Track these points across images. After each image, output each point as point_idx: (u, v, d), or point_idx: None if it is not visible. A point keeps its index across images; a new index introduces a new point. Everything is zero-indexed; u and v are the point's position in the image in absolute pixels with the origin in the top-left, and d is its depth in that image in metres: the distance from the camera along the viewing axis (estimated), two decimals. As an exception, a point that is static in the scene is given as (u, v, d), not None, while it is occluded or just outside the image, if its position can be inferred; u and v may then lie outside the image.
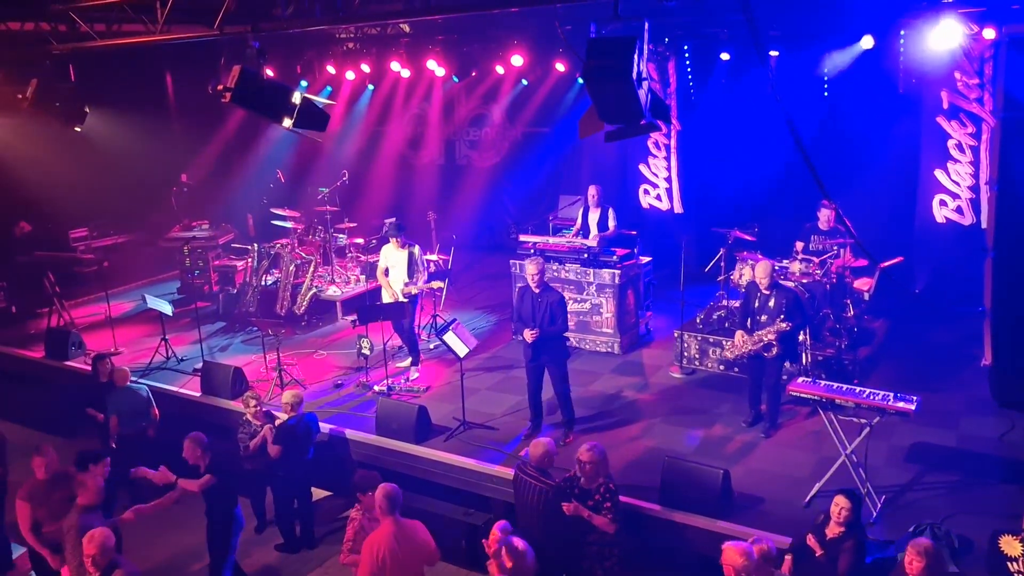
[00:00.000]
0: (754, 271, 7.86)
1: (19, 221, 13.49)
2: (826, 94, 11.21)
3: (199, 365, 9.66)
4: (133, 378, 8.48)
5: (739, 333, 7.80)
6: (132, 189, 13.89)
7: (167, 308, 10.17)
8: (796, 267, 9.06)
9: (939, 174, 10.74)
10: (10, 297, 12.39)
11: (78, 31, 8.59)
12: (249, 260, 12.24)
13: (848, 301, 9.02)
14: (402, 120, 15.36)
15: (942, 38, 9.31)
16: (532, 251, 10.09)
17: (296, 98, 7.01)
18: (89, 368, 8.98)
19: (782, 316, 7.47)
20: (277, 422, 7.82)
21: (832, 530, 5.42)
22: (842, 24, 10.47)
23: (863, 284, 9.39)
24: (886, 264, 8.91)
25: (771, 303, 7.56)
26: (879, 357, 9.26)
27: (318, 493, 8.27)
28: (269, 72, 12.24)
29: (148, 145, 13.97)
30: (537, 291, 7.54)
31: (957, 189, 10.64)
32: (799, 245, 9.39)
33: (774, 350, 7.51)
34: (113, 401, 8.20)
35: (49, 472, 6.49)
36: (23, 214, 13.43)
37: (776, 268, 8.31)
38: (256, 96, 6.86)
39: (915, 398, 6.50)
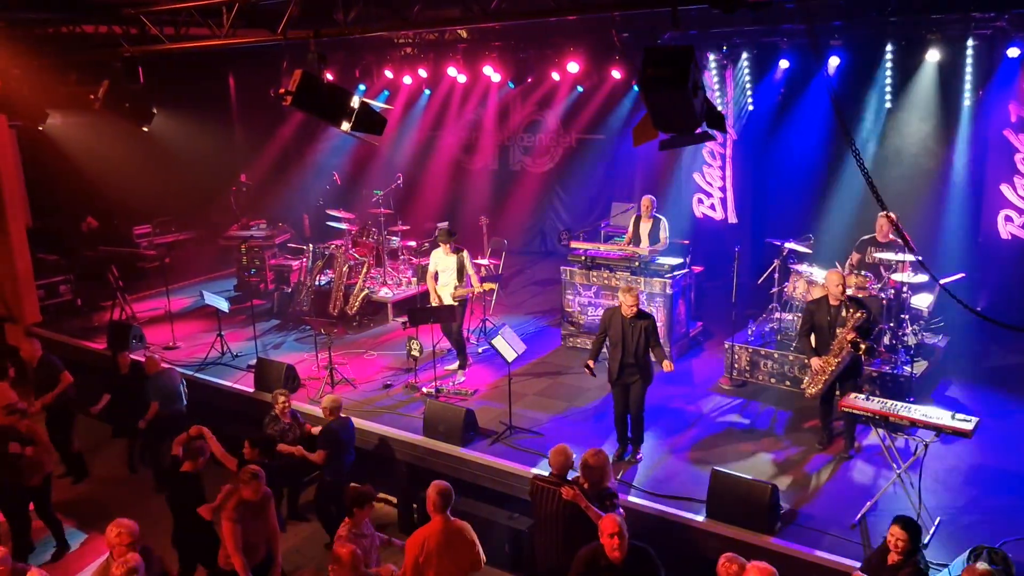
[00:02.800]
0: (825, 281, 7.61)
1: (86, 217, 14.00)
2: (888, 105, 11.00)
3: (253, 361, 9.87)
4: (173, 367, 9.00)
5: (815, 360, 7.45)
6: (193, 188, 14.31)
7: (224, 305, 10.41)
8: (852, 281, 8.89)
9: (1005, 189, 10.44)
10: (76, 290, 12.84)
11: (148, 34, 8.88)
12: (304, 260, 12.46)
13: (906, 317, 8.82)
14: (457, 125, 15.48)
15: (1011, 49, 9.08)
16: (583, 258, 10.12)
17: (355, 102, 7.13)
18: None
19: (859, 314, 7.20)
20: (307, 426, 8.03)
21: (891, 558, 5.31)
22: (907, 34, 10.28)
23: (922, 300, 9.18)
24: (946, 280, 8.70)
25: (844, 314, 7.31)
26: (937, 375, 9.04)
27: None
28: (328, 76, 12.49)
29: (210, 146, 14.35)
30: (629, 316, 7.43)
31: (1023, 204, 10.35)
32: (855, 257, 9.21)
33: (863, 346, 7.16)
34: (152, 387, 8.77)
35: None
36: (90, 210, 13.92)
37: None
38: (316, 99, 7.00)
39: (973, 418, 6.35)
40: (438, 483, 5.76)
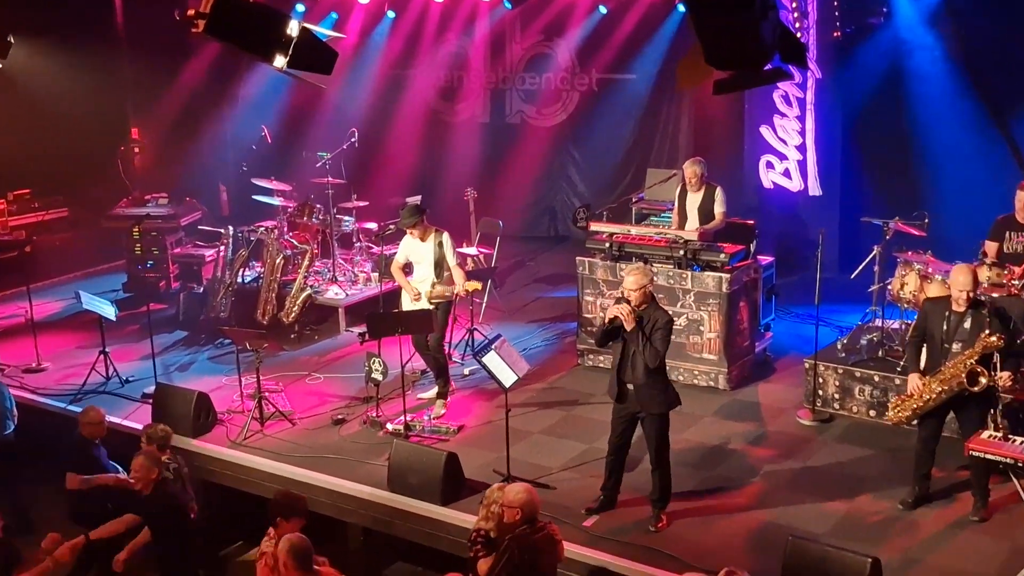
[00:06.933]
0: (949, 280, 7.61)
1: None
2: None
3: (150, 389, 9.86)
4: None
5: (914, 377, 7.51)
6: (66, 149, 14.20)
7: (109, 310, 10.38)
8: (984, 275, 8.92)
9: None
10: None
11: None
12: (221, 248, 12.44)
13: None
14: (433, 61, 15.53)
15: None
16: (608, 245, 10.14)
17: (292, 28, 7.14)
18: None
19: (995, 339, 7.20)
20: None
21: None
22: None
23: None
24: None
25: (967, 325, 7.33)
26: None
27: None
28: (254, -8, 12.48)
29: (88, 89, 14.30)
30: (638, 308, 7.42)
31: None
32: (991, 246, 9.22)
33: (982, 381, 7.18)
34: None
35: None
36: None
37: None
38: (239, 25, 6.97)
39: None
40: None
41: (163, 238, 13.01)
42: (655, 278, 9.69)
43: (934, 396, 7.39)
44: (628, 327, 7.26)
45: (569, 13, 14.15)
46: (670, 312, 9.60)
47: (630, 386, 7.45)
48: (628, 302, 7.32)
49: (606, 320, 7.51)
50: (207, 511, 8.65)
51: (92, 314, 10.58)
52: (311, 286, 11.85)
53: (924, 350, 7.70)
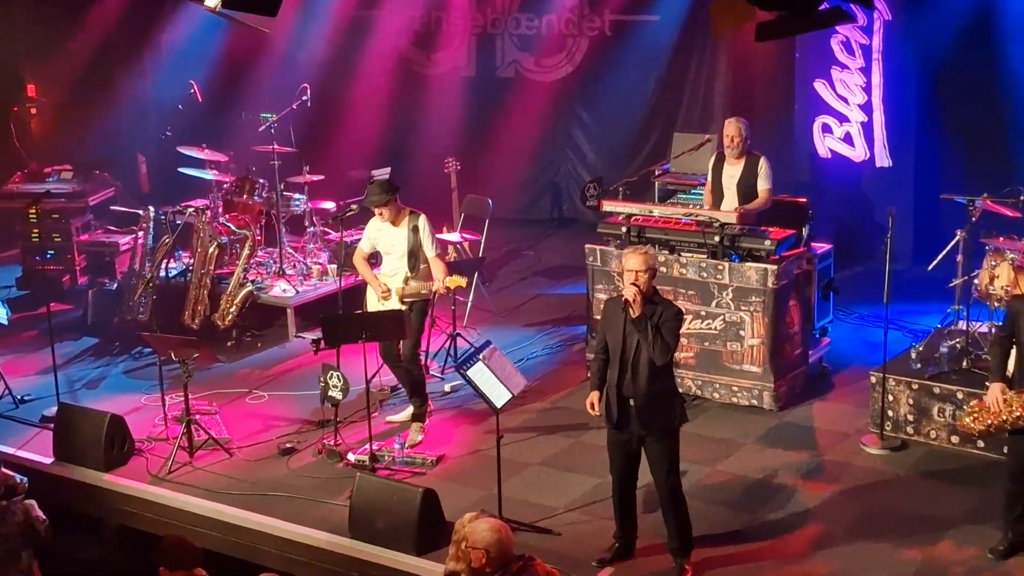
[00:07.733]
0: None
1: None
2: None
3: (51, 411, 9.89)
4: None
5: (995, 388, 7.50)
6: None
7: (0, 313, 10.48)
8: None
9: None
10: None
11: None
12: (139, 234, 12.44)
13: None
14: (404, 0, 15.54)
15: None
16: (624, 229, 10.14)
17: (229, -40, 7.21)
18: None
19: None
20: None
21: None
22: None
23: None
24: None
25: None
26: None
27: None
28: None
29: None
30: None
31: None
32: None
33: None
34: None
35: None
36: None
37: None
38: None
39: None
40: None
41: (67, 221, 13.02)
42: (685, 271, 9.83)
43: (1013, 418, 7.40)
44: (635, 313, 7.25)
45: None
46: (702, 312, 9.64)
47: (631, 401, 7.44)
48: (637, 286, 7.32)
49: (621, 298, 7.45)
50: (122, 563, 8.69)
51: (-22, 317, 10.65)
52: (252, 281, 11.91)
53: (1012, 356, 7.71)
